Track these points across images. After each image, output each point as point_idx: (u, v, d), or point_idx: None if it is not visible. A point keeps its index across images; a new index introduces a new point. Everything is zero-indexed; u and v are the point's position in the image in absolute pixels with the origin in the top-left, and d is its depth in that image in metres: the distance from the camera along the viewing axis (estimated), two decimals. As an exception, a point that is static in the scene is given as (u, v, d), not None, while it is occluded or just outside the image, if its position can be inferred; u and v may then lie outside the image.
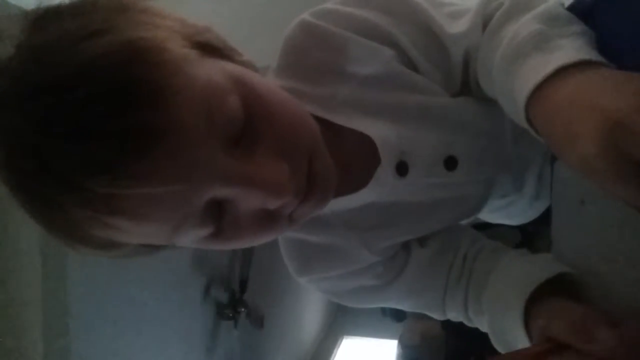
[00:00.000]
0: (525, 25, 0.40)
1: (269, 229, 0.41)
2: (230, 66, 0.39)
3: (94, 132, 0.29)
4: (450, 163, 0.51)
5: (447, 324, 2.15)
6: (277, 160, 0.37)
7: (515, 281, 0.46)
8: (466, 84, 0.52)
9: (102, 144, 0.29)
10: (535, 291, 0.42)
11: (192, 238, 0.38)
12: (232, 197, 0.37)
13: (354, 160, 0.50)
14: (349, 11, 0.50)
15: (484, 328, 0.53)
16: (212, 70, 0.36)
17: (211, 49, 0.38)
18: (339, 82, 0.50)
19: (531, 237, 0.82)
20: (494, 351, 0.49)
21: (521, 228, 0.79)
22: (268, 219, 0.40)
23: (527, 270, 0.46)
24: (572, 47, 0.36)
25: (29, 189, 0.32)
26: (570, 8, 0.43)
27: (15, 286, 1.20)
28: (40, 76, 0.30)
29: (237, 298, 2.06)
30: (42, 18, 0.34)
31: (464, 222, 0.65)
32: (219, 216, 0.37)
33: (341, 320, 3.85)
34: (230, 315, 1.99)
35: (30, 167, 0.31)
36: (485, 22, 0.47)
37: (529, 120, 0.37)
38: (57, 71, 0.30)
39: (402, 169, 0.50)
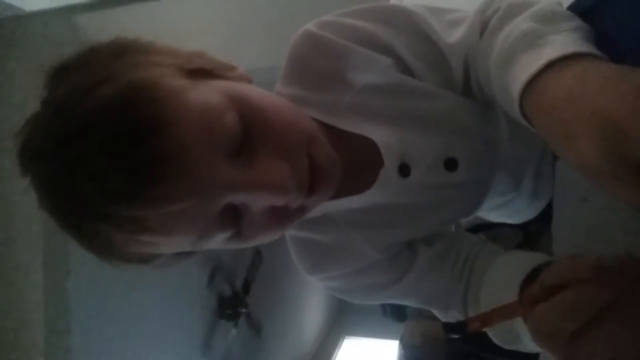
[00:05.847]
0: (518, 25, 0.40)
1: (283, 223, 0.44)
2: (224, 84, 0.42)
3: (111, 170, 0.34)
4: (451, 164, 0.52)
5: (448, 324, 2.15)
6: (276, 161, 0.40)
7: (511, 271, 0.47)
8: (468, 87, 0.52)
9: (119, 178, 0.34)
10: (530, 275, 0.43)
11: (216, 241, 0.42)
12: (243, 201, 0.40)
13: (358, 162, 0.52)
14: (350, 22, 0.52)
15: None
16: (207, 93, 0.39)
17: (203, 72, 0.42)
18: (342, 90, 0.52)
19: (533, 236, 0.82)
20: (493, 352, 0.49)
21: (523, 228, 0.79)
22: (280, 214, 0.43)
23: (521, 262, 0.47)
24: (564, 41, 0.35)
25: (72, 223, 0.38)
26: (571, 7, 0.43)
27: (18, 286, 1.21)
28: (61, 130, 0.35)
29: (240, 298, 2.06)
30: (55, 75, 0.39)
31: (467, 220, 0.66)
32: (236, 219, 0.41)
33: (342, 321, 3.85)
34: (231, 314, 1.99)
35: (69, 206, 0.37)
36: (483, 26, 0.47)
37: (525, 116, 0.37)
38: (74, 123, 0.35)
39: (404, 170, 0.51)
